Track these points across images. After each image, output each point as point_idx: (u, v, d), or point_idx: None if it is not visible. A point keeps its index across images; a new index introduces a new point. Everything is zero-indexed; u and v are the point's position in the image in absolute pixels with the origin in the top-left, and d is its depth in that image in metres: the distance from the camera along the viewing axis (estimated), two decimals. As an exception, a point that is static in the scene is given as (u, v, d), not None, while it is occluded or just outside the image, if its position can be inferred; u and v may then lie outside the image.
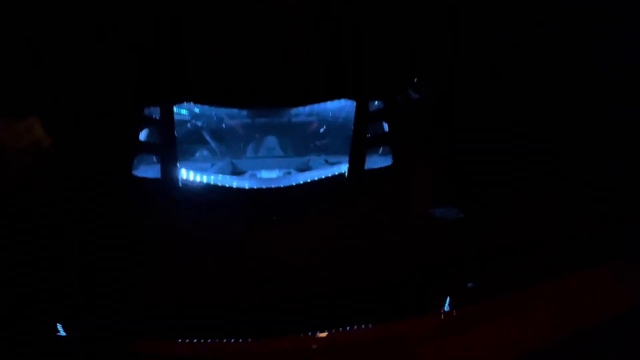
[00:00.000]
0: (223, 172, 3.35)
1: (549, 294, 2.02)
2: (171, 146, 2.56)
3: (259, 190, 2.52)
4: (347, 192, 2.46)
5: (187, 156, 3.58)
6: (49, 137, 2.67)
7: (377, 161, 2.70)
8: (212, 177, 2.69)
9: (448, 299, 1.99)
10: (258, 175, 3.13)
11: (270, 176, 3.04)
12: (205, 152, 3.79)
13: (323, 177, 2.61)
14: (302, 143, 3.70)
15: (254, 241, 2.24)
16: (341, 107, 3.39)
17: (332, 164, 3.34)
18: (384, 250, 2.19)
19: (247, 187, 2.56)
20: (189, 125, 3.79)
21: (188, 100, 3.12)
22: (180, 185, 2.51)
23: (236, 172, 3.46)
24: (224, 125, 3.85)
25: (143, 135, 2.73)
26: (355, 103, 2.85)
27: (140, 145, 2.63)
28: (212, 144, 3.78)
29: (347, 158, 3.36)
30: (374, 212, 2.34)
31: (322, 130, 3.73)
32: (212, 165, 3.37)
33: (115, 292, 1.97)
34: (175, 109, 3.25)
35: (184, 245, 2.21)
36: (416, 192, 2.37)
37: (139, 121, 2.76)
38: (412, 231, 2.27)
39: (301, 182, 2.59)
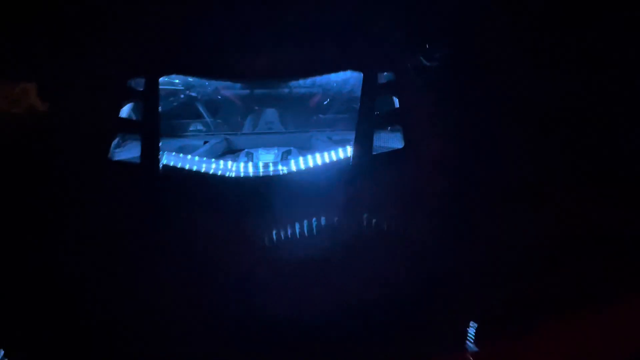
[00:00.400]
0: (216, 150, 3.09)
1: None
2: (153, 125, 2.23)
3: (252, 179, 2.20)
4: (353, 181, 2.12)
5: (178, 132, 3.30)
6: (44, 102, 2.53)
7: (386, 141, 2.42)
8: (198, 163, 2.35)
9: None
10: (254, 158, 2.84)
11: (266, 158, 2.75)
12: (199, 126, 3.51)
13: (325, 162, 2.26)
14: (304, 117, 3.40)
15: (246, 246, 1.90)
16: (346, 79, 3.07)
17: (337, 142, 3.07)
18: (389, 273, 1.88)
19: (236, 176, 2.23)
20: (182, 96, 3.49)
21: (176, 72, 2.81)
22: (161, 172, 2.16)
23: (231, 150, 3.19)
24: (219, 96, 3.55)
25: (125, 112, 2.42)
26: (362, 75, 2.54)
27: (119, 123, 2.30)
28: (206, 117, 3.50)
29: (353, 134, 3.13)
30: (382, 211, 2.01)
31: (325, 102, 3.42)
32: (205, 142, 3.09)
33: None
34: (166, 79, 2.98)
35: (158, 258, 1.86)
36: (431, 182, 2.05)
37: (121, 95, 2.46)
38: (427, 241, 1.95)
39: (300, 170, 2.24)
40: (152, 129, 2.18)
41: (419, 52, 3.02)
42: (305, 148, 3.14)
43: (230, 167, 2.25)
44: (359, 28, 2.71)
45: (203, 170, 2.27)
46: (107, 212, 1.94)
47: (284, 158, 2.82)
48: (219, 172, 2.23)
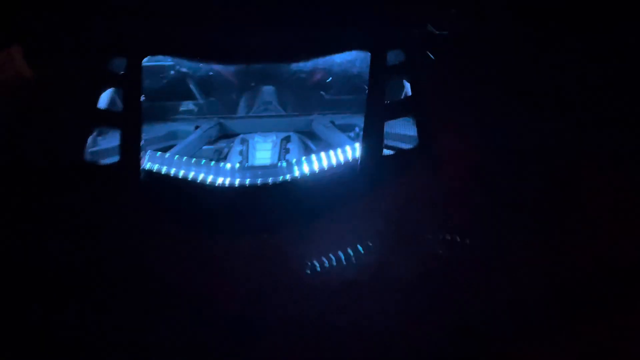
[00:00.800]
0: (209, 135, 2.83)
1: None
2: (134, 120, 1.93)
3: (247, 189, 1.82)
4: (360, 187, 1.78)
5: (167, 115, 3.03)
6: (30, 68, 2.25)
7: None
8: (185, 167, 1.97)
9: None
10: (249, 146, 2.58)
11: (263, 148, 2.48)
12: (190, 106, 3.23)
13: (329, 166, 1.90)
14: (304, 97, 3.12)
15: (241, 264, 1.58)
16: (352, 60, 2.76)
17: (340, 127, 2.80)
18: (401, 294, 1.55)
19: (229, 185, 1.84)
20: (172, 72, 3.19)
21: (162, 53, 2.51)
22: (142, 177, 1.80)
23: (226, 135, 2.93)
24: (212, 72, 3.25)
25: (103, 101, 2.13)
26: (369, 55, 2.24)
27: (97, 115, 2.01)
28: (198, 97, 3.21)
29: (358, 118, 2.85)
30: (393, 223, 1.63)
31: (328, 80, 3.13)
32: (196, 127, 2.82)
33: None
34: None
35: (137, 279, 1.54)
36: (452, 187, 1.75)
37: (101, 80, 2.17)
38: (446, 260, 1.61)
39: (301, 177, 1.86)
40: (133, 124, 1.87)
41: (427, 19, 2.67)
42: (306, 133, 2.88)
43: (221, 171, 1.93)
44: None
45: (190, 177, 1.91)
46: (76, 225, 1.65)
47: (283, 147, 2.57)
48: (209, 180, 1.87)
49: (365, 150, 1.82)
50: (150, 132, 2.85)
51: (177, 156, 2.05)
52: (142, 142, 1.98)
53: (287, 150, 2.54)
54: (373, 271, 1.55)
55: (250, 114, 3.04)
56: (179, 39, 2.38)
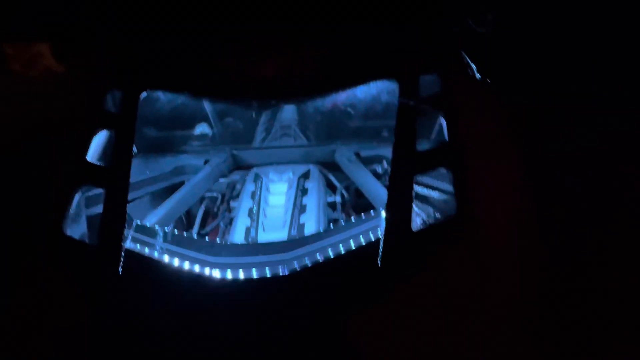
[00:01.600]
0: (220, 171, 2.55)
1: None
2: (122, 180, 1.64)
3: (248, 283, 1.39)
4: (383, 280, 1.30)
5: (177, 144, 2.77)
6: (60, 63, 2.16)
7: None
8: (179, 255, 1.59)
9: None
10: (262, 184, 2.29)
11: (276, 203, 2.16)
12: (202, 132, 2.96)
13: (348, 249, 1.47)
14: (326, 123, 2.79)
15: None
16: (378, 93, 2.40)
17: (366, 160, 2.46)
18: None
19: (221, 278, 1.43)
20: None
21: (161, 88, 2.24)
22: (123, 263, 1.38)
23: (238, 167, 2.65)
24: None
25: (93, 152, 1.86)
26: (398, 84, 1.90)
27: (84, 169, 1.74)
28: (212, 121, 2.94)
29: (385, 148, 2.49)
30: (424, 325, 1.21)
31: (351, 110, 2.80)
32: (206, 162, 2.55)
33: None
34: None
35: None
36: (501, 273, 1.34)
37: (94, 121, 1.92)
38: None
39: (307, 268, 1.41)
40: (119, 188, 1.58)
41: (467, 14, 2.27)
42: (328, 166, 2.57)
43: (217, 260, 1.59)
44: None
45: (177, 264, 1.52)
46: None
47: (300, 187, 2.26)
48: (203, 270, 1.47)
49: (390, 227, 1.38)
50: (156, 167, 2.62)
51: (169, 232, 1.74)
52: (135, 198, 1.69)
53: (305, 192, 2.24)
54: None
55: (266, 145, 2.74)
56: (178, 74, 2.11)
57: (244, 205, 2.18)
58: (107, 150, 1.97)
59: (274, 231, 1.96)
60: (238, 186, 2.51)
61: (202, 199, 2.54)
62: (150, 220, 1.99)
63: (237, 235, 1.96)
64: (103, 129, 1.96)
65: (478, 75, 2.09)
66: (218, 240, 2.06)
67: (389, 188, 1.52)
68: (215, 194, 2.60)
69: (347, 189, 2.44)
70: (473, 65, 2.14)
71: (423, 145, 1.75)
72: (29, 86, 2.22)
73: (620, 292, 1.34)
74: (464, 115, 1.84)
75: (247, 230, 2.00)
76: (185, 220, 2.57)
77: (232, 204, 2.40)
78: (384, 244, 1.32)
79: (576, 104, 1.91)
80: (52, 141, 1.92)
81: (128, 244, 1.47)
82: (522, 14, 2.18)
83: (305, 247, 1.53)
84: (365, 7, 2.03)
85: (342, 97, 2.80)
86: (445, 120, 1.81)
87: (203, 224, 2.45)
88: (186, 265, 1.49)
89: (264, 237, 1.93)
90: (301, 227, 1.97)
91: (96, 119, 1.96)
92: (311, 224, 1.97)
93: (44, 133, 1.97)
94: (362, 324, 1.21)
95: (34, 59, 2.24)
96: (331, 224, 1.78)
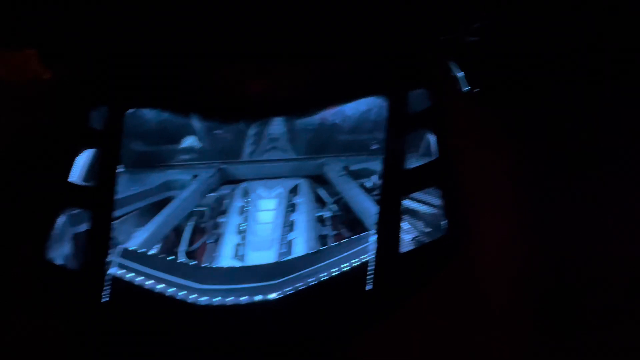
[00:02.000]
0: (209, 186, 2.52)
1: None
2: (106, 202, 1.60)
3: (232, 308, 1.36)
4: (373, 306, 1.30)
5: (165, 159, 2.73)
6: (47, 69, 2.14)
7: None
8: (163, 281, 1.49)
9: None
10: (250, 201, 2.27)
11: (266, 206, 2.15)
12: (189, 146, 2.93)
13: (336, 274, 1.41)
14: (315, 137, 2.78)
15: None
16: (368, 108, 2.39)
17: (354, 174, 2.45)
18: None
19: (206, 304, 1.38)
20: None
21: (146, 106, 2.21)
22: (107, 290, 1.36)
23: (227, 181, 2.63)
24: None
25: (77, 171, 1.82)
26: (387, 100, 1.89)
27: (67, 191, 1.71)
28: (199, 135, 2.91)
29: (374, 162, 2.48)
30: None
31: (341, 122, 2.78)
32: (195, 176, 2.53)
33: None
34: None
35: None
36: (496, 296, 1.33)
37: (77, 140, 1.88)
38: None
39: (292, 294, 1.38)
40: (103, 211, 1.55)
41: (456, 25, 2.27)
42: (317, 179, 2.55)
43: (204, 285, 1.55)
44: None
45: (163, 291, 1.44)
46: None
47: (290, 201, 2.25)
48: (187, 297, 1.41)
49: (381, 248, 1.36)
50: (144, 182, 2.58)
51: (153, 255, 1.70)
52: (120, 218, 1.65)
53: (294, 208, 2.22)
54: None
55: (255, 159, 2.72)
56: (163, 93, 2.08)
57: (232, 221, 2.16)
58: (92, 169, 1.95)
59: (262, 250, 1.94)
60: (226, 201, 2.48)
61: (190, 214, 2.51)
62: (139, 238, 1.96)
63: (226, 254, 1.94)
64: (88, 148, 1.93)
65: (466, 88, 2.10)
66: (205, 258, 2.04)
67: (379, 214, 1.49)
68: (203, 208, 2.57)
69: (336, 203, 2.42)
70: (462, 78, 2.15)
71: (412, 162, 1.74)
72: (14, 94, 2.19)
73: (617, 302, 1.35)
74: (453, 131, 1.84)
75: (236, 248, 1.98)
76: (174, 236, 2.54)
77: (220, 219, 2.38)
78: (374, 268, 1.31)
79: (566, 115, 1.92)
80: (35, 157, 1.89)
81: (113, 270, 1.44)
82: (510, 29, 2.20)
83: (293, 274, 1.50)
84: (354, 33, 2.03)
85: (330, 111, 2.79)
86: (435, 136, 1.81)
87: (191, 240, 2.42)
88: (173, 293, 1.45)
89: (252, 256, 1.91)
90: (290, 244, 1.95)
91: (80, 137, 1.93)
92: (300, 241, 1.95)
93: (27, 148, 1.94)
94: (353, 351, 1.20)
95: (21, 65, 2.21)
96: (320, 242, 1.77)
